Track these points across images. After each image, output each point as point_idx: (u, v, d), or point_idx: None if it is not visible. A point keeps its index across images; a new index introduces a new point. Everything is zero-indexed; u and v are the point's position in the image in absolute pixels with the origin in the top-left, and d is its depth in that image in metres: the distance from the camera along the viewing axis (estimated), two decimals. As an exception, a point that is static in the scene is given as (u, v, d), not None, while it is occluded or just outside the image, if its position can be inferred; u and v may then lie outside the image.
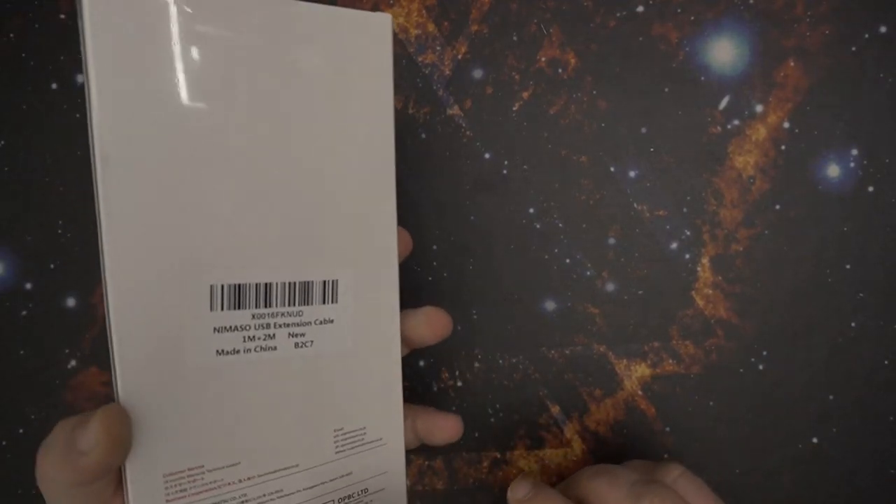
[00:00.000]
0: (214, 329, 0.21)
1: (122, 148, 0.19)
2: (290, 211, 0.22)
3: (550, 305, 0.34)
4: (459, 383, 0.35)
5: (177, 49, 0.19)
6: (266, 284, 0.22)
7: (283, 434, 0.22)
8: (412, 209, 0.34)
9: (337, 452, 0.24)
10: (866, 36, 0.33)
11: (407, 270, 0.35)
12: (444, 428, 0.26)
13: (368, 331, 0.24)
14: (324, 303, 0.23)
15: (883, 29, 0.33)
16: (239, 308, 0.21)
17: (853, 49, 0.33)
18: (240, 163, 0.21)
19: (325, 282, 0.23)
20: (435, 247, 0.34)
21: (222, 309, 0.21)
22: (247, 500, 0.22)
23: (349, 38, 0.22)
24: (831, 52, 0.33)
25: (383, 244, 0.24)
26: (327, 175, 0.22)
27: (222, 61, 0.20)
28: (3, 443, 0.34)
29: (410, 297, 0.35)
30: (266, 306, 0.22)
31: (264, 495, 0.22)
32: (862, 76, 0.33)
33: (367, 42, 0.23)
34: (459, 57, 0.34)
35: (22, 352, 0.34)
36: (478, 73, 0.34)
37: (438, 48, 0.34)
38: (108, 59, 0.18)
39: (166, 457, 0.20)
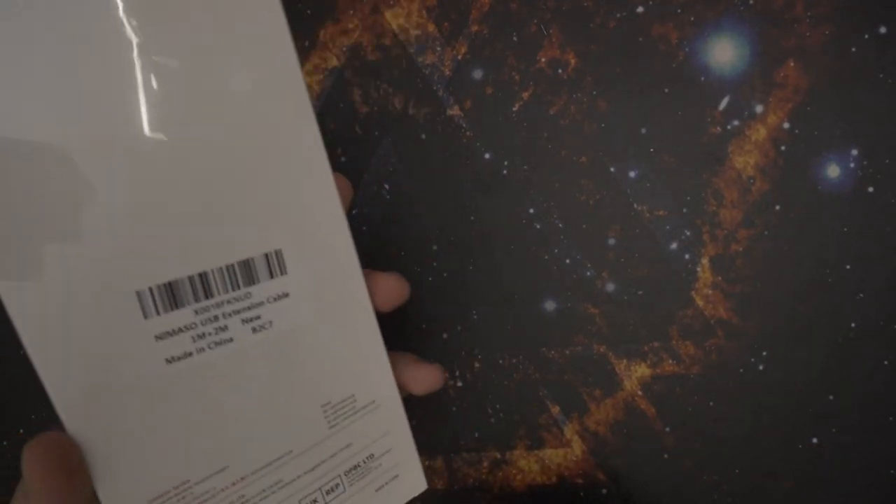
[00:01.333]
0: (156, 337, 0.19)
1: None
2: (208, 188, 0.20)
3: (550, 305, 0.34)
4: (459, 383, 0.35)
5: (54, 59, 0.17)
6: (201, 274, 0.20)
7: (266, 425, 0.21)
8: (412, 209, 0.34)
9: (331, 427, 0.23)
10: (866, 36, 0.33)
11: (407, 270, 0.35)
12: (423, 379, 0.25)
13: (331, 295, 0.22)
14: (272, 277, 0.21)
15: (883, 29, 0.33)
16: (177, 307, 0.19)
17: (853, 49, 0.33)
18: (139, 146, 0.18)
19: (266, 255, 0.21)
20: (435, 247, 0.34)
21: (158, 313, 0.19)
22: (246, 500, 0.21)
23: None
24: (831, 52, 0.33)
25: (323, 200, 0.22)
26: (239, 139, 0.20)
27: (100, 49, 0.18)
28: (4, 443, 0.34)
29: (411, 297, 0.35)
30: (207, 297, 0.20)
31: (263, 490, 0.21)
32: (862, 76, 0.33)
33: None
34: (459, 57, 0.34)
35: (22, 352, 0.34)
36: (478, 73, 0.34)
37: (438, 48, 0.34)
38: None
39: (146, 480, 0.19)
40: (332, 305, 0.23)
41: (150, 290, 0.19)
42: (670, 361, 0.34)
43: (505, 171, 0.34)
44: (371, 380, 0.24)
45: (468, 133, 0.34)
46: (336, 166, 0.35)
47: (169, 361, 0.19)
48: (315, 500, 0.22)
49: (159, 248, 0.19)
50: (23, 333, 0.17)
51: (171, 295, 0.19)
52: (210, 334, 0.20)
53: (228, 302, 0.20)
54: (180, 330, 0.19)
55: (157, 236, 0.19)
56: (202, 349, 0.20)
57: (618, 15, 0.33)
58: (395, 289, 0.24)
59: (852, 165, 0.33)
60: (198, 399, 0.20)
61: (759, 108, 0.33)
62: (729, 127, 0.33)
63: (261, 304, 0.21)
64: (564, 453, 0.35)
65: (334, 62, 0.34)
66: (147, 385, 0.19)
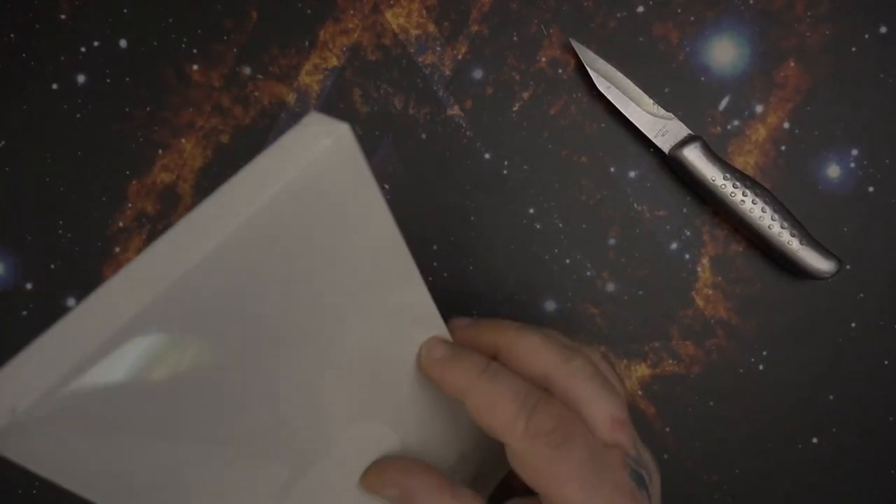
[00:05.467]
0: None
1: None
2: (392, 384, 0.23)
3: (550, 305, 0.34)
4: (459, 383, 0.35)
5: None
6: None
7: None
8: (412, 209, 0.34)
9: None
10: (866, 36, 0.33)
11: (407, 270, 0.35)
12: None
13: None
14: None
15: (883, 29, 0.33)
16: None
17: (853, 49, 0.33)
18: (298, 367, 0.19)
19: None
20: (435, 247, 0.34)
21: None
22: None
23: (325, 186, 0.17)
24: (831, 52, 0.33)
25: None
26: (398, 357, 0.22)
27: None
28: (3, 443, 0.34)
29: (410, 297, 0.35)
30: None
31: None
32: (862, 76, 0.33)
33: (341, 175, 0.17)
34: (459, 57, 0.34)
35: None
36: (478, 73, 0.34)
37: (438, 48, 0.34)
38: None
39: None
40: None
41: None
42: (670, 361, 0.34)
43: (505, 171, 0.34)
44: None
45: (468, 133, 0.34)
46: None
47: None
48: None
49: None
50: None
51: None
52: None
53: None
54: None
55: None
56: None
57: (618, 15, 0.33)
58: None
59: (852, 165, 0.33)
60: None
61: (759, 108, 0.33)
62: (729, 127, 0.33)
63: None
64: (564, 453, 0.35)
65: (334, 62, 0.34)
66: None
